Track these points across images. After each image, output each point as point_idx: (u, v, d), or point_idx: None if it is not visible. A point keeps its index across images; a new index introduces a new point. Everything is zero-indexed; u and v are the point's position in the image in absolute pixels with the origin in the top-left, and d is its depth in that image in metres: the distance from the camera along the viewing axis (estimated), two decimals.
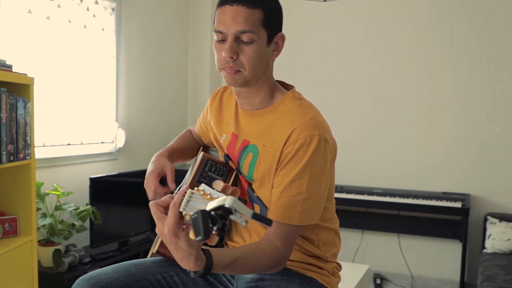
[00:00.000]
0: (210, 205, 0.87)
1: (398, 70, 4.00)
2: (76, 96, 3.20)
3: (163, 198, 1.08)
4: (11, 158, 2.18)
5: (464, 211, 3.49)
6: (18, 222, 2.36)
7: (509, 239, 3.42)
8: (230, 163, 1.45)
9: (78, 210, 2.86)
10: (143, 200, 3.47)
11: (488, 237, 3.51)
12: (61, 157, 3.10)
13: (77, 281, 1.35)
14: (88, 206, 2.89)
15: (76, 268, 2.84)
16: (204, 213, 0.84)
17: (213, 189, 0.96)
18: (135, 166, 3.74)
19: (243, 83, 1.32)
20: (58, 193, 2.81)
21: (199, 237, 0.84)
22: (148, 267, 1.39)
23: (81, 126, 3.26)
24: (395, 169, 4.05)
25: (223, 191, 0.93)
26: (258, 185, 1.36)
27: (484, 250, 3.52)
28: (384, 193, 3.83)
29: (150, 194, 1.41)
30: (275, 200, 1.28)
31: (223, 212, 0.85)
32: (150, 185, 1.40)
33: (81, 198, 3.19)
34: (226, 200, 0.84)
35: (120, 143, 3.56)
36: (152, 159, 1.48)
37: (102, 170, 3.46)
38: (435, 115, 3.91)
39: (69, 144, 3.16)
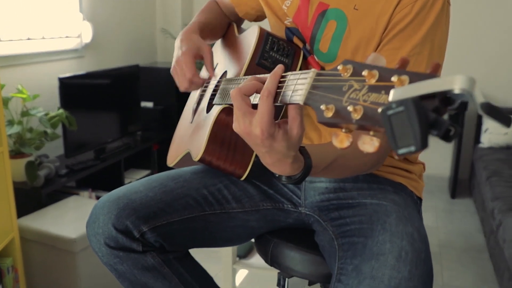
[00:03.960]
0: (416, 90, 0.45)
1: None
2: None
3: (247, 83, 0.73)
4: None
5: (461, 105, 3.32)
6: None
7: (506, 133, 3.31)
8: (295, 39, 1.09)
9: (49, 116, 2.46)
10: (117, 103, 3.12)
11: (485, 131, 3.38)
12: (21, 54, 2.61)
13: (98, 204, 1.03)
14: (61, 110, 2.49)
15: (53, 181, 2.49)
16: (417, 104, 0.44)
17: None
18: (103, 64, 3.28)
19: None
20: (24, 95, 2.38)
21: (411, 148, 0.45)
22: (189, 180, 1.09)
23: (41, 17, 2.74)
24: None
25: (402, 66, 0.51)
26: None
27: (480, 145, 3.42)
28: None
29: (183, 82, 1.07)
30: None
31: (439, 104, 0.45)
32: (184, 70, 1.06)
33: (49, 102, 2.78)
34: (454, 81, 0.43)
35: (87, 38, 3.07)
36: (180, 37, 1.12)
37: (67, 69, 2.99)
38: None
39: (29, 39, 2.66)
